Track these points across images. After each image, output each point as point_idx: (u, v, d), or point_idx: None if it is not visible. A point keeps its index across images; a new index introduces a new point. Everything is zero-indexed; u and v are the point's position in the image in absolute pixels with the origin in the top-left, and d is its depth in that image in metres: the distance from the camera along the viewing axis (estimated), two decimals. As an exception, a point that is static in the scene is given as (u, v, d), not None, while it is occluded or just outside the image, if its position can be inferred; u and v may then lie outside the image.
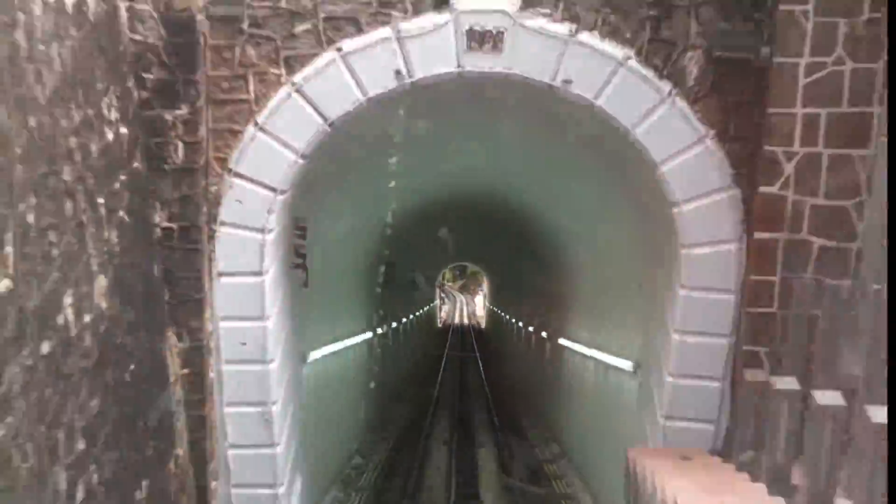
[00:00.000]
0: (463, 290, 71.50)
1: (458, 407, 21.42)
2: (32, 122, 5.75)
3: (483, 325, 50.78)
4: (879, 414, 5.69)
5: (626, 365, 10.16)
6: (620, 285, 11.21)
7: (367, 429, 16.64)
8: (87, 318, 6.41)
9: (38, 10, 5.95)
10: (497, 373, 27.86)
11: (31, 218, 5.63)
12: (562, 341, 15.99)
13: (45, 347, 5.73)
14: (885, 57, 7.37)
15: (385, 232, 13.56)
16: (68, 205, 6.22)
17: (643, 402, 9.35)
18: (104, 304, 6.73)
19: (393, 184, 10.64)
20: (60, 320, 6.00)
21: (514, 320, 27.17)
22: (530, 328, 21.89)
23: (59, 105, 6.17)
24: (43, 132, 5.89)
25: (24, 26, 5.73)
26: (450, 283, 70.33)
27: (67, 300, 6.10)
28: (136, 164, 7.58)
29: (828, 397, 6.36)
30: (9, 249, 5.32)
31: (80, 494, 6.11)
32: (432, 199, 15.56)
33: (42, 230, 5.80)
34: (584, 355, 13.28)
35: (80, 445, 6.18)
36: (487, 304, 50.62)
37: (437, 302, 53.02)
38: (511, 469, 14.38)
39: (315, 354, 10.77)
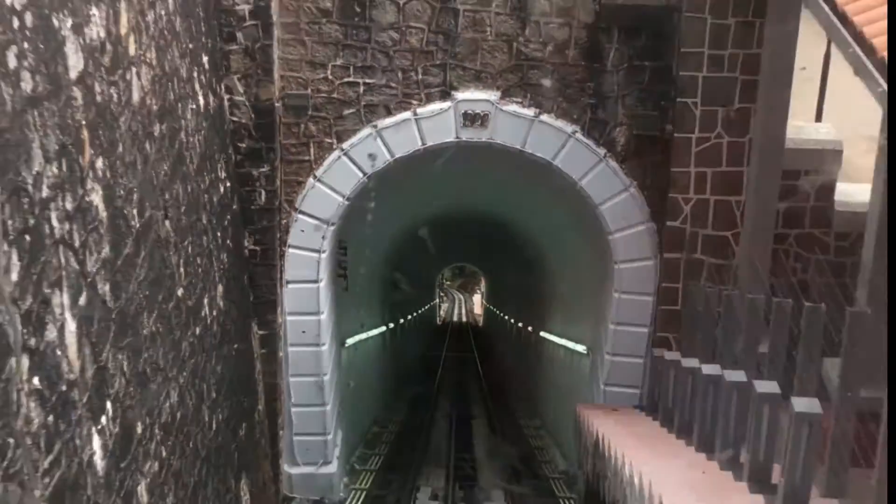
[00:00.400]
0: (462, 288, 70.85)
1: (457, 392, 24.61)
2: (189, 188, 8.95)
3: (481, 323, 51.49)
4: (766, 385, 8.72)
5: (582, 349, 13.39)
6: (580, 291, 14.43)
7: (382, 405, 19.85)
8: (214, 313, 9.61)
9: (189, 114, 9.16)
10: (491, 364, 31.01)
11: (190, 249, 8.84)
12: (542, 334, 19.20)
13: (197, 330, 8.93)
14: (750, 136, 10.60)
15: (399, 245, 16.78)
16: (204, 239, 9.42)
17: (592, 374, 12.58)
18: (221, 304, 9.94)
19: (406, 209, 13.84)
20: (202, 314, 9.20)
21: (506, 317, 30.35)
22: (519, 324, 25.08)
23: (199, 174, 9.37)
24: (193, 193, 9.09)
25: (184, 127, 8.93)
26: (448, 283, 69.24)
27: (205, 300, 9.31)
28: (234, 207, 10.79)
29: (728, 374, 9.52)
30: (181, 271, 8.53)
31: (214, 425, 9.32)
32: (438, 216, 18.78)
33: (193, 256, 9.00)
34: (556, 344, 16.49)
35: (213, 394, 9.37)
36: (485, 302, 52.13)
37: (437, 301, 53.26)
38: (498, 433, 17.64)
39: (350, 341, 14.00)
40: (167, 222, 8.17)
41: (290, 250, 11.42)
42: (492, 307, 38.88)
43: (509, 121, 11.04)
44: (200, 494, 8.70)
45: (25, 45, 5.25)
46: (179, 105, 8.84)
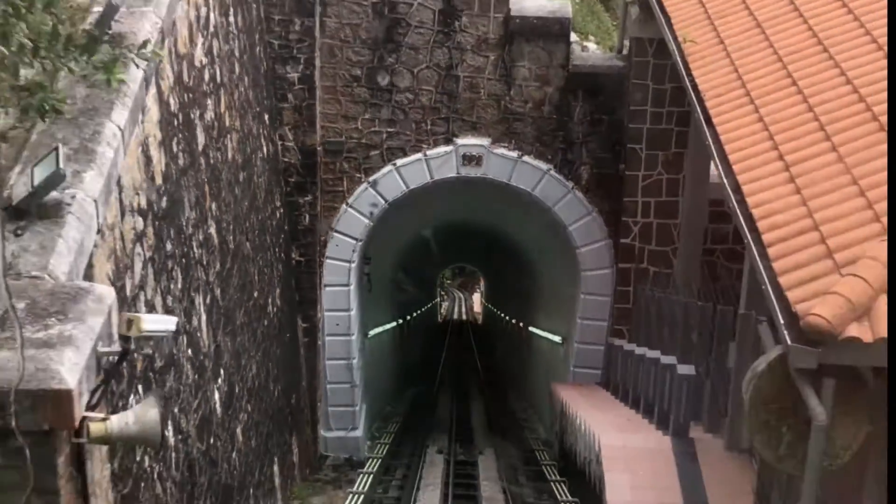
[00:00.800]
0: (462, 287, 70.22)
1: (457, 381, 27.49)
2: (259, 216, 11.87)
3: (480, 321, 51.65)
4: (684, 368, 11.58)
5: (558, 339, 16.29)
6: (557, 292, 17.32)
7: (393, 389, 22.76)
8: (274, 309, 12.53)
9: (258, 161, 12.07)
10: (488, 357, 33.82)
11: (261, 262, 11.75)
12: (531, 328, 22.06)
13: (265, 322, 11.84)
14: (684, 173, 13.49)
15: (408, 252, 19.65)
16: (269, 254, 12.33)
17: (564, 359, 15.48)
18: (279, 302, 12.86)
19: (416, 225, 16.72)
20: (268, 310, 12.10)
21: (502, 314, 33.19)
22: (513, 320, 27.93)
23: (264, 205, 12.29)
24: (261, 220, 12.01)
25: (255, 171, 11.85)
26: (449, 281, 67.94)
27: (269, 300, 12.21)
28: (286, 228, 13.71)
29: (647, 352, 12.44)
30: (256, 278, 11.44)
31: (276, 394, 12.23)
32: (441, 227, 21.69)
33: (262, 267, 11.91)
34: (540, 336, 19.39)
35: (275, 371, 12.29)
36: (484, 301, 53.88)
37: (438, 300, 54.29)
38: (492, 413, 20.56)
39: (372, 332, 16.92)
40: (248, 243, 11.10)
41: (328, 261, 14.32)
42: (490, 305, 41.72)
43: (498, 161, 13.94)
44: (269, 442, 11.61)
45: (180, 135, 8.22)
46: (253, 156, 11.77)
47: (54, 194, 5.39)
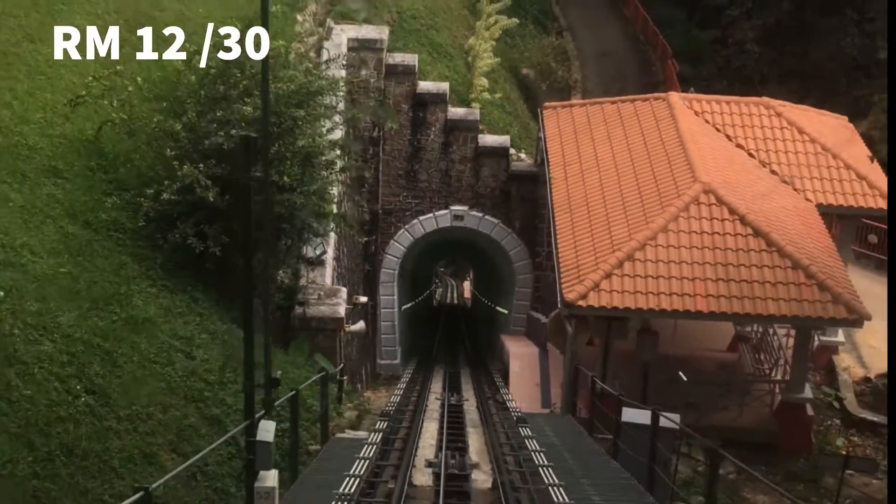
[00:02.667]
0: (454, 276, 77.76)
1: (449, 346, 37.97)
2: (353, 248, 22.46)
3: (469, 305, 57.86)
4: (542, 318, 22.33)
5: (505, 311, 26.97)
6: (507, 285, 27.95)
7: (412, 342, 33.33)
8: (362, 300, 23.12)
9: (354, 217, 22.67)
10: (473, 331, 44.26)
11: (355, 269, 22.37)
12: (497, 308, 32.60)
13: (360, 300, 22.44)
14: (567, 225, 24.16)
15: (417, 257, 30.19)
16: (358, 265, 22.94)
17: (507, 322, 26.14)
18: (362, 291, 23.45)
19: (425, 243, 27.32)
20: (356, 298, 22.69)
21: (484, 299, 43.68)
22: (489, 303, 38.42)
23: (354, 241, 22.87)
24: (355, 249, 22.59)
25: (360, 226, 22.45)
26: (443, 270, 74.49)
27: (355, 290, 22.81)
28: (363, 252, 24.34)
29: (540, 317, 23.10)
30: (354, 280, 22.06)
31: (364, 338, 22.86)
32: (441, 242, 32.27)
33: (356, 274, 22.51)
34: (498, 310, 30.00)
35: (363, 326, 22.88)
36: (472, 288, 63.77)
37: (434, 287, 63.47)
38: (470, 355, 31.17)
39: (403, 307, 27.55)
40: (348, 261, 21.74)
41: (382, 269, 24.90)
42: (476, 292, 52.26)
43: (472, 217, 24.54)
44: (362, 365, 22.16)
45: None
46: (352, 214, 22.39)
47: (320, 256, 16.22)
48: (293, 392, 10.15)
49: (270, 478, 6.79)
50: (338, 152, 15.41)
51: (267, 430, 6.74)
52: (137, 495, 6.07)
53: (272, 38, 13.36)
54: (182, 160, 13.26)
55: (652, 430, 10.09)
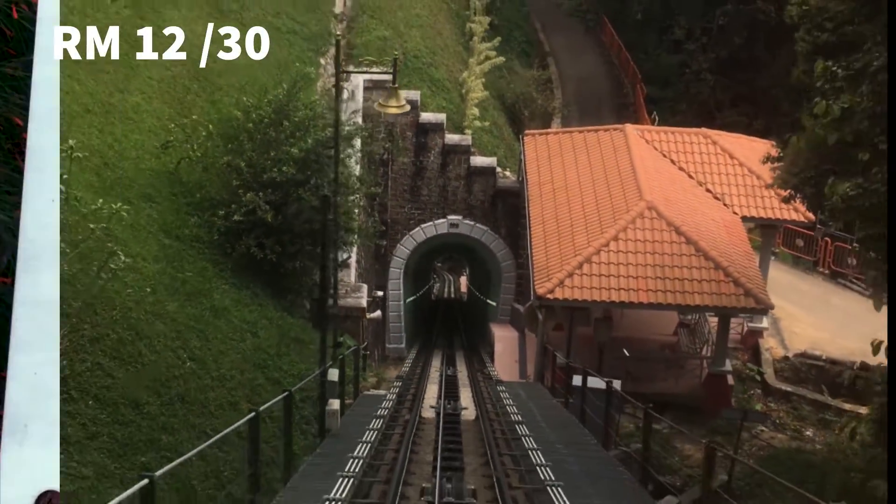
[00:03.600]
0: (451, 271, 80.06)
1: (447, 334, 41.70)
2: (369, 251, 26.20)
3: (465, 299, 63.91)
4: (520, 308, 26.07)
5: (494, 303, 30.72)
6: (495, 280, 31.70)
7: (415, 329, 37.06)
8: (379, 293, 26.86)
9: (370, 226, 26.41)
10: (468, 321, 48.00)
11: (363, 265, 26.12)
12: (487, 300, 36.34)
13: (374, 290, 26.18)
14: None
15: (419, 257, 33.92)
16: (373, 263, 26.68)
17: (494, 313, 29.90)
18: (374, 282, 27.24)
19: (424, 245, 31.07)
20: (375, 292, 26.42)
21: (478, 293, 47.44)
22: (482, 297, 42.17)
23: (368, 248, 26.60)
24: (368, 252, 26.32)
25: (366, 234, 26.17)
26: (440, 265, 76.23)
27: (371, 286, 26.54)
28: (375, 254, 28.07)
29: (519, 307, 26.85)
30: (371, 274, 25.80)
31: (376, 323, 26.59)
32: (440, 246, 36.01)
33: (370, 268, 26.26)
34: (489, 303, 33.74)
35: (379, 314, 26.64)
36: (468, 283, 67.28)
37: (432, 283, 66.98)
38: (464, 341, 34.91)
39: (408, 299, 31.28)
40: (367, 261, 25.47)
41: (392, 265, 28.64)
42: (471, 287, 56.05)
43: (466, 226, 28.26)
44: (375, 347, 25.86)
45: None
46: (368, 227, 26.15)
47: (346, 259, 20.02)
48: (341, 357, 13.98)
49: (335, 404, 10.55)
50: (359, 185, 19.21)
51: (333, 374, 10.50)
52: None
53: (306, 92, 17.31)
54: (245, 189, 17.03)
55: (582, 388, 13.91)
